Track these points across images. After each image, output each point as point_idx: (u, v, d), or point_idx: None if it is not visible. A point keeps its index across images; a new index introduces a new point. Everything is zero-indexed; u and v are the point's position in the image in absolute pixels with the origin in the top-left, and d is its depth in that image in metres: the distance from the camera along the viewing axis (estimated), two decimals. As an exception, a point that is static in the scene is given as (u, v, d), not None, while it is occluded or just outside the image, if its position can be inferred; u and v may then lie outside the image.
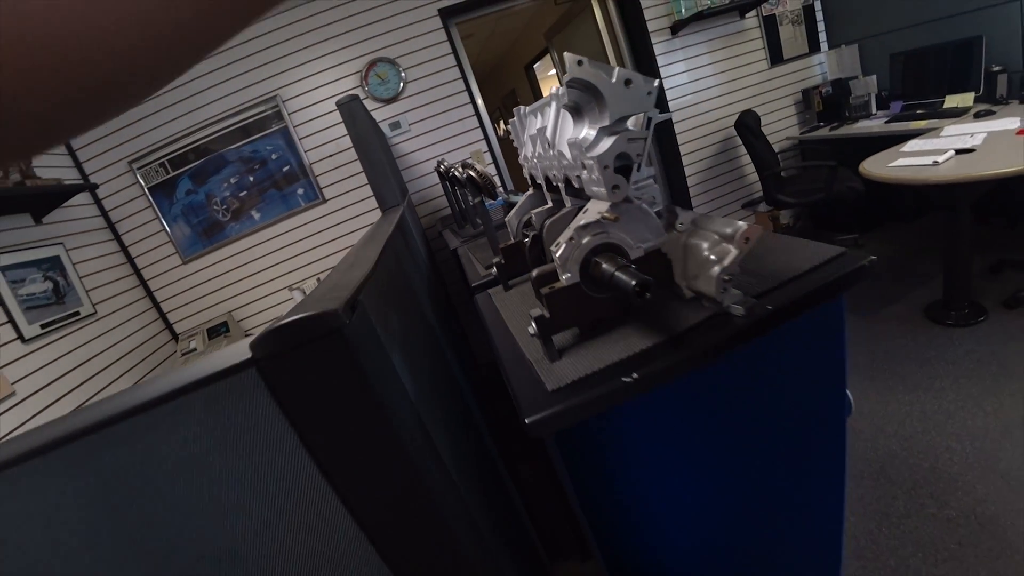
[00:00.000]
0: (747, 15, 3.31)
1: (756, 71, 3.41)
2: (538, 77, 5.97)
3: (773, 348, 0.69)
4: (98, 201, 2.74)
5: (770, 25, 3.38)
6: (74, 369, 2.21)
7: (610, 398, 0.56)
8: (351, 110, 1.57)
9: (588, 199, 0.69)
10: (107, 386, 2.34)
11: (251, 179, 2.98)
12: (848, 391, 0.84)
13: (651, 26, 3.16)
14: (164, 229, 2.91)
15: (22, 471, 0.39)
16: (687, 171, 3.44)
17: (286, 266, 3.07)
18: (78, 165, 2.70)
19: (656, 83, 0.56)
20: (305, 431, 0.41)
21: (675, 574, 0.84)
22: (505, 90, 7.19)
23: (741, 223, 0.59)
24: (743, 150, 3.21)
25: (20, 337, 2.00)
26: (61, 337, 2.20)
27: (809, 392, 0.75)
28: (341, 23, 2.80)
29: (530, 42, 5.26)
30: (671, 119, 3.31)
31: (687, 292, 0.66)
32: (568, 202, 0.77)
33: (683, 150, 3.39)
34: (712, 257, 0.59)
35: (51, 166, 2.53)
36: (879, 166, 2.19)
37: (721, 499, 0.80)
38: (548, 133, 0.73)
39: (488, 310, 0.96)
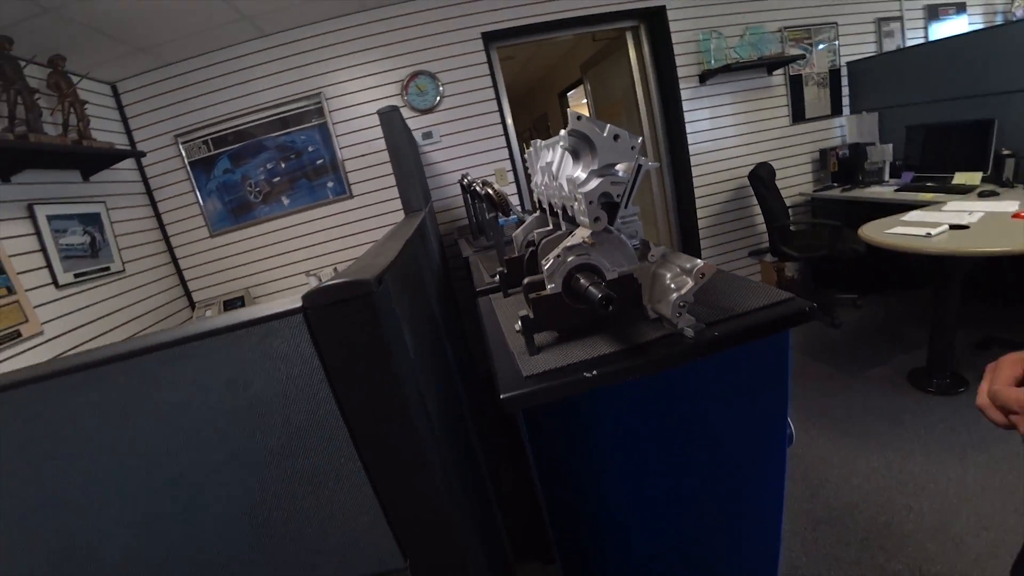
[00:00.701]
0: (774, 72, 3.47)
1: (777, 126, 3.56)
2: (570, 105, 6.16)
3: (721, 370, 0.81)
4: (142, 168, 2.93)
5: (796, 84, 3.53)
6: (97, 319, 2.36)
7: (571, 387, 0.69)
8: (390, 120, 1.72)
9: (578, 226, 0.82)
10: (124, 340, 2.49)
11: (285, 167, 3.15)
12: (791, 423, 0.96)
13: (681, 72, 3.32)
14: (198, 202, 3.08)
15: (107, 371, 0.53)
16: (699, 213, 3.57)
17: (306, 252, 3.22)
18: (129, 133, 2.90)
19: (640, 140, 0.69)
20: (330, 368, 0.54)
21: (621, 561, 0.95)
22: (538, 113, 7.41)
23: (699, 261, 0.72)
24: (755, 200, 3.33)
25: (54, 282, 2.16)
26: (91, 288, 2.36)
27: (752, 415, 0.87)
28: (391, 34, 2.99)
29: (566, 71, 5.46)
30: (689, 162, 3.46)
31: (651, 313, 0.78)
32: (563, 226, 0.91)
33: (698, 192, 3.53)
34: (672, 286, 0.71)
35: (105, 131, 2.71)
36: (876, 231, 2.30)
37: (665, 501, 0.92)
38: (553, 168, 0.87)
39: (487, 310, 1.09)
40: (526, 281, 0.78)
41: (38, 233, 2.12)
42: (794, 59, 3.43)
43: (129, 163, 2.83)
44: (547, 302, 0.75)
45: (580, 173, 0.72)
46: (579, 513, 0.92)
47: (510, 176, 3.38)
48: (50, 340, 2.10)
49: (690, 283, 0.70)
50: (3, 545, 0.57)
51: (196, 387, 0.55)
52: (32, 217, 2.10)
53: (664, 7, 3.22)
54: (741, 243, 3.69)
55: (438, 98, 3.13)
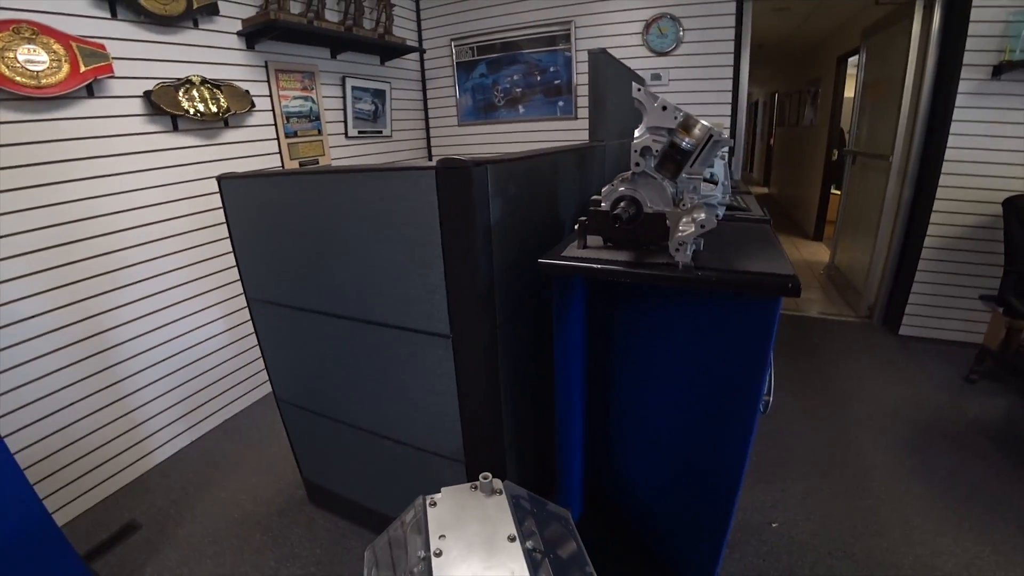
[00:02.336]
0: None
1: (1088, 150, 2.80)
2: (847, 73, 5.43)
3: (713, 313, 1.04)
4: (423, 61, 3.75)
5: None
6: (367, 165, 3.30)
7: (583, 271, 1.02)
8: (596, 61, 2.01)
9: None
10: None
11: (528, 80, 3.66)
12: (770, 395, 1.13)
13: (969, 58, 2.80)
14: (455, 96, 3.83)
15: (344, 178, 1.05)
16: (931, 230, 3.11)
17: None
18: (420, 31, 3.70)
19: (682, 114, 0.93)
20: (442, 211, 0.98)
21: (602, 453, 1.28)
22: (810, 76, 6.63)
23: (708, 217, 0.95)
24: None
25: (345, 133, 3.08)
26: (366, 143, 3.28)
27: (732, 366, 1.07)
28: (648, -27, 3.16)
29: (849, 34, 4.80)
30: (940, 168, 2.98)
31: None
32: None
33: (937, 207, 3.05)
34: (681, 228, 0.96)
35: (403, 28, 3.53)
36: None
37: (644, 412, 1.20)
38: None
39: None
40: (593, 198, 1.10)
41: (344, 97, 3.04)
42: None
43: (414, 56, 3.66)
44: (597, 215, 1.06)
45: (637, 131, 0.99)
46: (582, 396, 1.25)
47: (726, 134, 3.37)
48: (336, 171, 3.06)
49: (692, 230, 0.94)
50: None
51: (378, 198, 1.05)
52: (343, 86, 3.01)
53: (975, -25, 2.70)
54: (974, 280, 3.13)
55: (676, 43, 3.24)
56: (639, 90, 0.95)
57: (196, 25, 2.37)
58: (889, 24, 3.46)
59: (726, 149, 1.42)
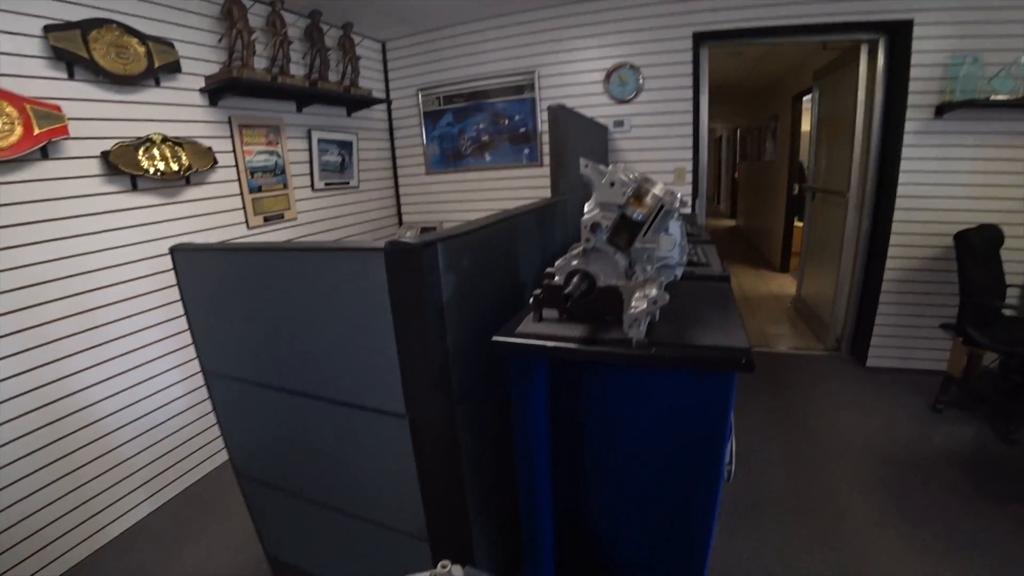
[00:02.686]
0: (1050, 120, 2.85)
1: (1028, 185, 2.95)
2: (803, 109, 5.67)
3: (668, 388, 1.03)
4: (390, 111, 3.79)
5: (1081, 140, 2.85)
6: (333, 218, 3.28)
7: (535, 349, 1.01)
8: (555, 115, 2.06)
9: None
10: (349, 236, 3.40)
11: (494, 129, 3.72)
12: (732, 465, 1.12)
13: (915, 100, 2.94)
14: (423, 144, 3.86)
15: (296, 256, 1.02)
16: (890, 263, 3.20)
17: (492, 203, 3.80)
18: (387, 82, 3.75)
19: (631, 188, 0.94)
20: (392, 292, 0.96)
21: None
22: (769, 113, 6.90)
23: (661, 294, 0.95)
24: (963, 264, 2.88)
25: (312, 186, 3.07)
26: (333, 195, 3.28)
27: (691, 439, 1.06)
28: (603, 25, 3.29)
29: (802, 75, 5.04)
30: (893, 204, 3.10)
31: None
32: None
33: (894, 240, 3.15)
34: (634, 304, 0.96)
35: (369, 79, 3.58)
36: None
37: (613, 477, 1.18)
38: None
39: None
40: (547, 270, 1.09)
41: (310, 150, 3.03)
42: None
43: (381, 108, 3.69)
44: (550, 289, 1.06)
45: (587, 205, 1.00)
46: (537, 467, 1.22)
47: (689, 177, 3.45)
48: (300, 224, 3.03)
49: (644, 306, 0.94)
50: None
51: (330, 276, 1.03)
52: (309, 138, 3.01)
53: (912, 21, 2.86)
54: (934, 310, 3.22)
55: (636, 91, 3.34)
56: (586, 166, 0.96)
57: (158, 83, 2.36)
58: (837, 67, 3.64)
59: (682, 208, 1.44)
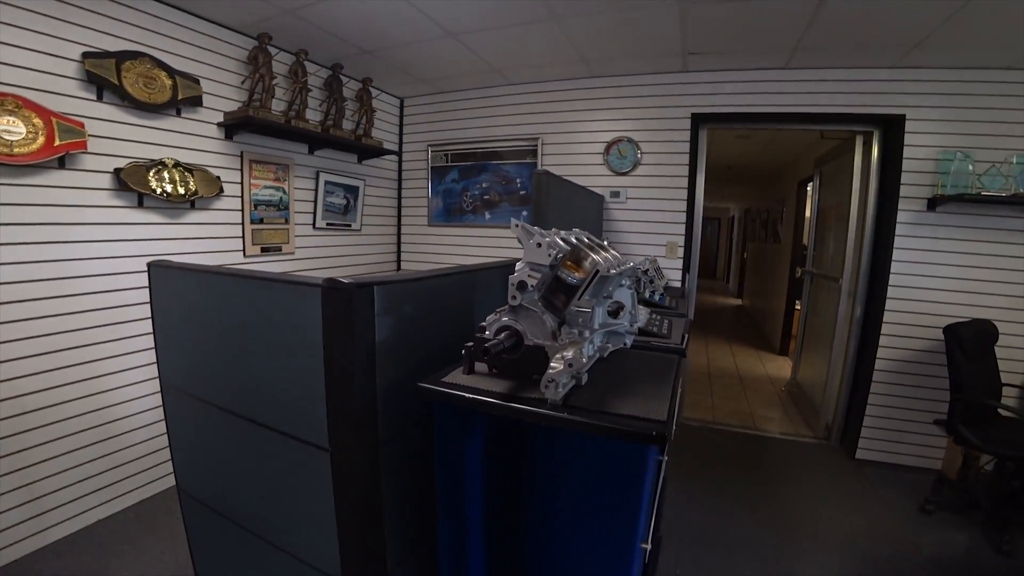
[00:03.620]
0: (1041, 218, 2.85)
1: (1021, 280, 2.91)
2: (808, 195, 5.76)
3: (590, 449, 1.02)
4: (400, 163, 3.95)
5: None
6: (331, 256, 3.36)
7: (454, 399, 1.02)
8: (539, 181, 2.13)
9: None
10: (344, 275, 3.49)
11: (495, 189, 3.85)
12: (648, 545, 1.08)
13: (907, 191, 2.99)
14: (427, 197, 3.99)
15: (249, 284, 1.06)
16: (881, 353, 3.15)
17: (487, 261, 3.88)
18: (401, 135, 3.95)
19: (556, 252, 0.97)
20: (324, 327, 0.99)
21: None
22: (777, 196, 7.03)
23: (581, 359, 0.96)
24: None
25: (313, 224, 3.18)
26: (334, 235, 3.38)
27: (607, 506, 1.04)
28: (607, 100, 3.45)
29: (806, 162, 5.17)
30: (885, 293, 3.08)
31: (551, 381, 1.04)
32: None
33: (886, 330, 3.12)
34: (554, 364, 0.97)
35: (384, 131, 3.77)
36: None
37: (541, 531, 1.15)
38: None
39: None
40: (480, 324, 1.11)
41: (316, 190, 3.16)
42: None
43: (392, 158, 3.87)
44: (480, 342, 1.07)
45: (518, 263, 1.03)
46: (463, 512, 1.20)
47: (681, 251, 3.49)
48: (297, 259, 3.12)
49: (561, 367, 0.95)
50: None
51: (272, 305, 1.06)
52: (316, 179, 3.15)
53: (904, 116, 2.95)
54: (927, 404, 3.13)
55: (634, 164, 3.45)
56: (516, 225, 0.99)
57: (179, 113, 2.52)
58: (836, 156, 3.74)
59: (631, 278, 1.46)
